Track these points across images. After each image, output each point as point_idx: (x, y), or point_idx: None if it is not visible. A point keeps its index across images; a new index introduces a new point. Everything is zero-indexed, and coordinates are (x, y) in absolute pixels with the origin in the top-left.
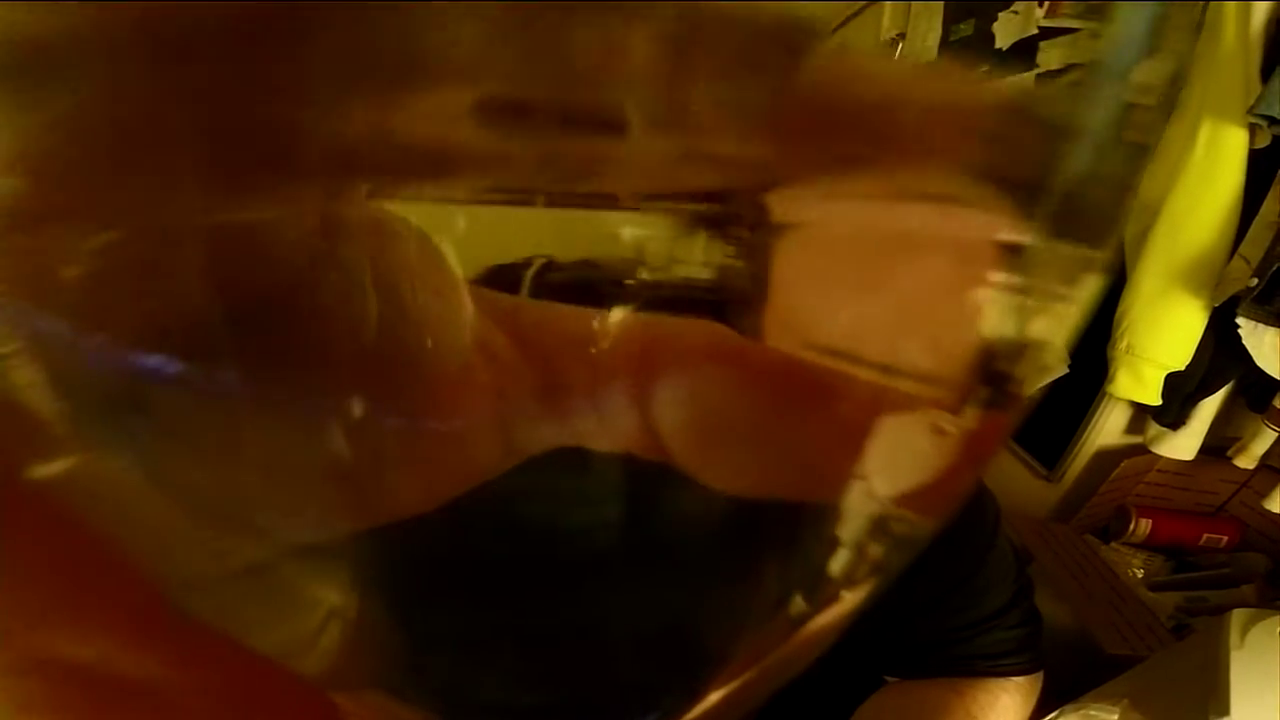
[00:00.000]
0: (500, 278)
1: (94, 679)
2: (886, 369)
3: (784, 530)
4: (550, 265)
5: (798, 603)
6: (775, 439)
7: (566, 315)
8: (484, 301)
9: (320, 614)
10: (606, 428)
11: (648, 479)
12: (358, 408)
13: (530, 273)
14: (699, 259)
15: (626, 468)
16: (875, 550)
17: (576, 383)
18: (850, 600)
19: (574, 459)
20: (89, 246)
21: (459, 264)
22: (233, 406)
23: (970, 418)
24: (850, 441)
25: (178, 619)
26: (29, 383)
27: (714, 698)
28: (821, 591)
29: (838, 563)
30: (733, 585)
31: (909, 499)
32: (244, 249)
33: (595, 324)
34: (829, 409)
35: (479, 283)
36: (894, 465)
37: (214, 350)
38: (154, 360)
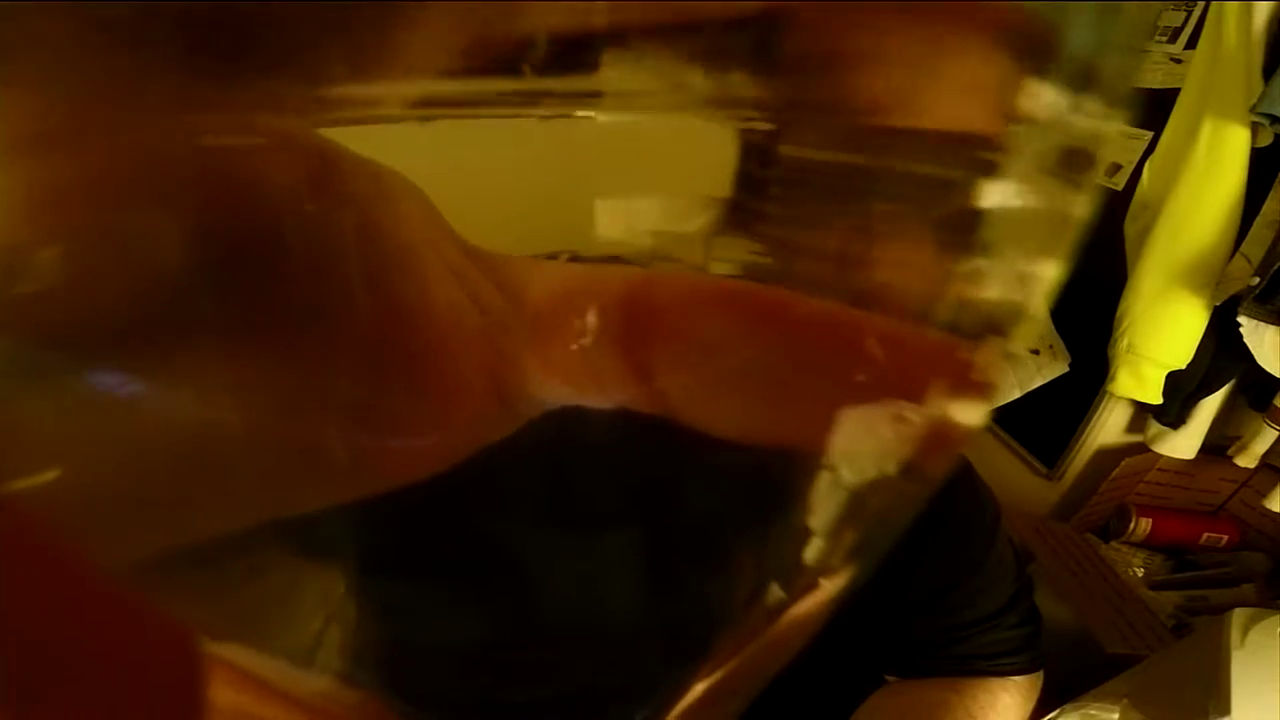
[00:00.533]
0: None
1: None
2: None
3: (775, 492)
4: (574, 259)
5: (774, 591)
6: (771, 375)
7: (554, 268)
8: (474, 254)
9: (321, 601)
10: (601, 380)
11: (646, 436)
12: (350, 362)
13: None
14: (725, 255)
15: (625, 426)
16: (849, 537)
17: (567, 333)
18: (829, 588)
19: (572, 420)
20: (35, 266)
21: (452, 218)
22: (220, 371)
23: (935, 406)
24: (844, 375)
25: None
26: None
27: (699, 689)
28: (798, 579)
29: (812, 551)
30: (720, 565)
31: (880, 489)
32: (230, 202)
33: (583, 275)
34: (821, 343)
35: None
36: (859, 455)
37: (200, 314)
38: (139, 334)
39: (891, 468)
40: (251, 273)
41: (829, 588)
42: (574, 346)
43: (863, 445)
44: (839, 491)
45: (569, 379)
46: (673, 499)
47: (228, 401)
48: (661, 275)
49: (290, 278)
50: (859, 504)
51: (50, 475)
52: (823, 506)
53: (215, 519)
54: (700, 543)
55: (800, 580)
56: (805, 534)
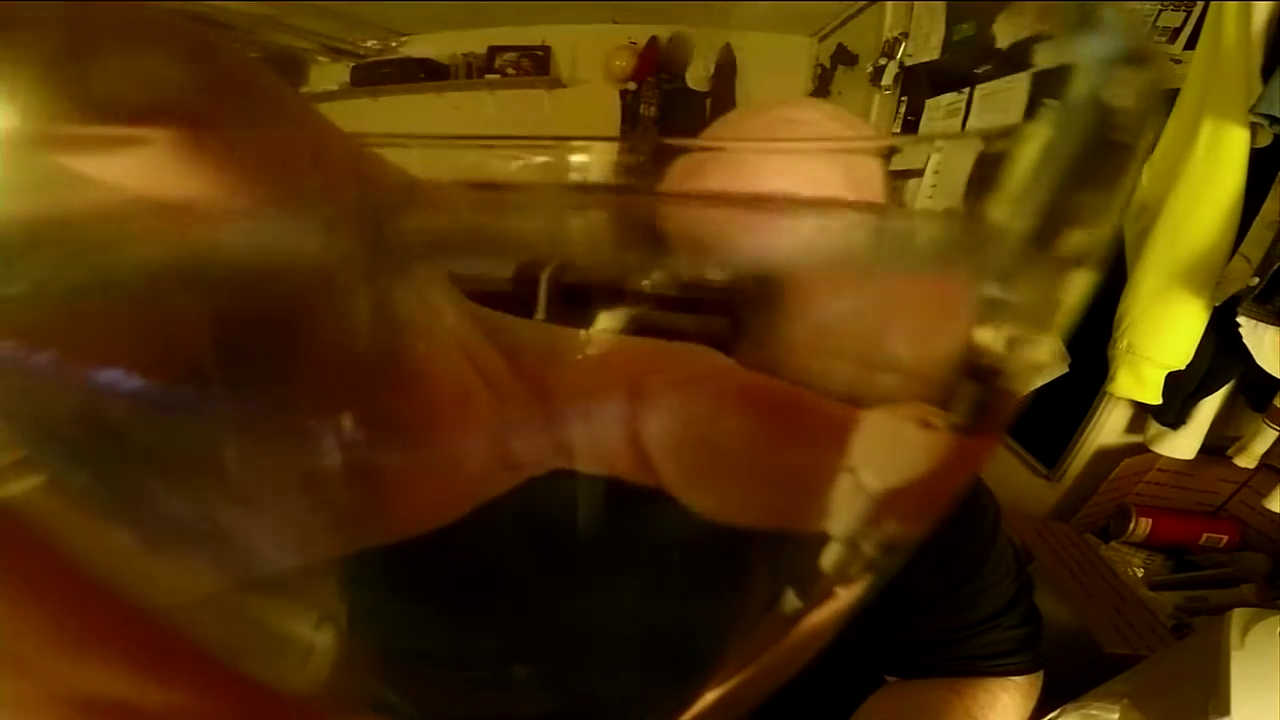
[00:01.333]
0: (519, 274)
1: (113, 713)
2: (878, 369)
3: (772, 546)
4: (569, 264)
5: (791, 600)
6: (765, 469)
7: (560, 336)
8: (480, 320)
9: (313, 634)
10: (598, 449)
11: (636, 503)
12: (357, 428)
13: (547, 272)
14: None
15: (616, 492)
16: (868, 547)
17: (568, 403)
18: (845, 597)
19: (568, 482)
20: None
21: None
22: (225, 435)
23: (959, 416)
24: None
25: (189, 648)
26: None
27: (710, 698)
28: (816, 588)
29: (830, 558)
30: (725, 591)
31: (899, 500)
32: (242, 281)
33: (587, 346)
34: (821, 440)
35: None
36: (883, 458)
37: (208, 382)
38: (145, 393)
39: (913, 474)
40: (263, 347)
41: (845, 597)
42: (574, 415)
43: (886, 450)
44: (860, 497)
45: (568, 446)
46: (678, 544)
47: (241, 466)
48: (668, 353)
49: (302, 351)
50: (879, 511)
51: (33, 482)
52: (843, 512)
53: (230, 567)
54: (713, 561)
55: (817, 588)
56: (823, 540)
